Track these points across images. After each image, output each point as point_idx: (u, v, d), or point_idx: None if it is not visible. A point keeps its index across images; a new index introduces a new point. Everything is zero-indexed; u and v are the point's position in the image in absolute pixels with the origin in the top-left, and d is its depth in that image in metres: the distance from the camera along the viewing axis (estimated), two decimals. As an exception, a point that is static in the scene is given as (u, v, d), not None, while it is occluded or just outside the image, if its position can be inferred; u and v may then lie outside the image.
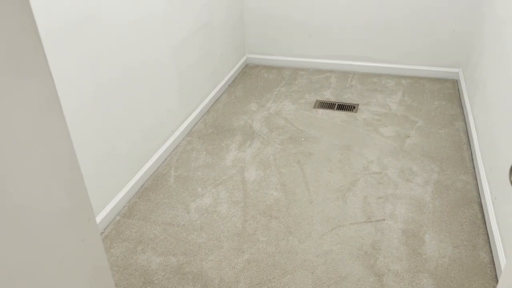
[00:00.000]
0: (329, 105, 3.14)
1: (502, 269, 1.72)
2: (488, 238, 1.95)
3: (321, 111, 3.07)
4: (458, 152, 2.56)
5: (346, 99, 3.22)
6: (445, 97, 3.18)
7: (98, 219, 2.05)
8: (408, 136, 2.73)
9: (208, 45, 3.03)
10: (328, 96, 3.27)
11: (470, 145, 2.59)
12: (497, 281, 1.75)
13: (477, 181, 2.30)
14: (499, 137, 2.05)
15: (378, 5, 3.28)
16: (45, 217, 0.71)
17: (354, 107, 3.10)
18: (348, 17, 3.40)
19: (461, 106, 3.04)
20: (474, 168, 2.40)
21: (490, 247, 1.91)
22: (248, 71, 3.75)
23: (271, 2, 3.51)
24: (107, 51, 1.95)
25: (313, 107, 3.12)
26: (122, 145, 2.18)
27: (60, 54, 1.67)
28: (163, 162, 2.57)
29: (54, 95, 0.73)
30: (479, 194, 2.21)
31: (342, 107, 3.11)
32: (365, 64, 3.56)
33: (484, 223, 2.04)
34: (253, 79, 3.60)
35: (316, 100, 3.22)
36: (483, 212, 2.10)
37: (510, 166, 0.78)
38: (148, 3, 2.22)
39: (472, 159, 2.47)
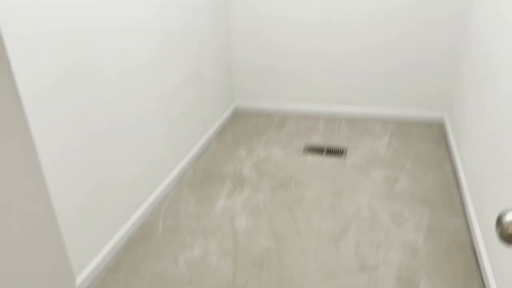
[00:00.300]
0: (318, 150, 3.16)
1: (500, 318, 1.67)
2: (483, 284, 1.91)
3: (310, 156, 3.08)
4: (448, 195, 2.56)
5: (335, 143, 3.25)
6: (432, 140, 3.22)
7: (83, 275, 1.97)
8: (398, 180, 2.73)
9: (197, 93, 3.07)
10: (317, 141, 3.30)
11: (459, 188, 2.60)
12: (496, 330, 1.70)
13: (468, 225, 2.28)
14: (486, 180, 2.06)
15: (363, 52, 3.39)
16: (18, 284, 0.68)
17: (343, 152, 3.12)
18: (334, 64, 3.50)
19: (448, 149, 3.08)
20: (464, 211, 2.40)
21: (486, 293, 1.87)
22: (238, 117, 3.79)
23: (258, 52, 3.61)
24: (94, 100, 1.96)
25: (302, 152, 3.13)
26: (109, 195, 2.14)
27: (47, 102, 1.68)
28: (152, 212, 2.52)
29: (32, 152, 0.72)
30: (471, 238, 2.19)
31: (331, 151, 3.13)
32: (352, 108, 3.62)
33: (478, 267, 2.00)
34: (242, 125, 3.63)
35: (305, 145, 3.24)
36: (476, 257, 2.07)
37: (496, 218, 0.77)
38: (136, 53, 2.27)
39: (462, 202, 2.47)
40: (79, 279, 1.95)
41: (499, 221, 0.76)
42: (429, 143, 3.18)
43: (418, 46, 3.26)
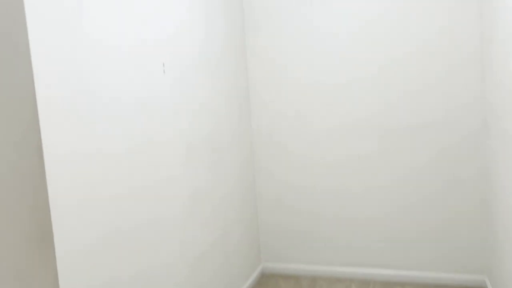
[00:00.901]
0: (353, 320, 2.90)
1: None
2: None
3: (345, 326, 2.83)
4: None
5: (371, 311, 3.00)
6: (477, 308, 2.95)
7: None
8: None
9: (223, 259, 3.02)
10: (351, 308, 3.06)
11: None
12: None
13: None
14: None
15: (392, 214, 3.39)
16: None
17: (381, 322, 2.85)
18: (363, 227, 3.48)
19: (498, 318, 2.79)
20: None
21: None
22: (265, 280, 3.63)
23: (284, 214, 3.66)
24: (125, 268, 1.95)
25: (336, 322, 2.89)
26: None
27: (78, 263, 1.67)
28: None
29: None
30: None
31: (367, 321, 2.87)
32: (385, 271, 3.45)
33: None
34: (270, 289, 3.46)
35: (339, 313, 3.00)
36: None
37: None
38: (163, 220, 2.33)
39: None
40: None
41: None
42: (476, 311, 2.90)
43: (449, 206, 3.25)
